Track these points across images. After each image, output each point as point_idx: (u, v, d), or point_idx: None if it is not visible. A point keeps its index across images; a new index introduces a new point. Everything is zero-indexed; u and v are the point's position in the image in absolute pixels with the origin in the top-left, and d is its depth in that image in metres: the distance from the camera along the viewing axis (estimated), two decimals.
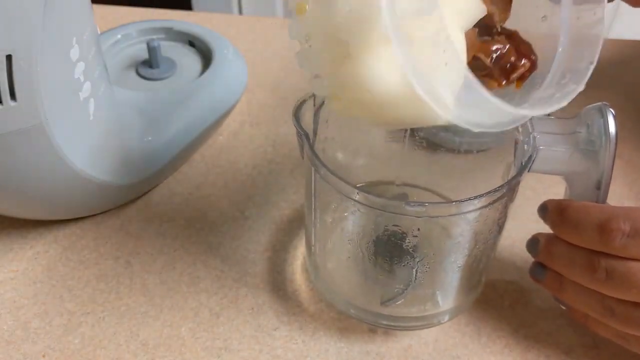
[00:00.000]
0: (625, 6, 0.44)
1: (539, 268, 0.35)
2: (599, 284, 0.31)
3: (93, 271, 0.41)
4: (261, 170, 0.49)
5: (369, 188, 0.41)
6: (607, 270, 0.30)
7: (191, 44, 0.54)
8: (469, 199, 0.29)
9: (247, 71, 0.54)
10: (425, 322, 0.37)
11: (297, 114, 0.33)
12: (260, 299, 0.39)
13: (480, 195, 0.29)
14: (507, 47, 0.28)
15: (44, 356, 0.36)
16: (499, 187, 0.30)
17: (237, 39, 0.63)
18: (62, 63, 0.35)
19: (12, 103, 0.32)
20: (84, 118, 0.38)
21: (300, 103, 0.33)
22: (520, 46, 0.28)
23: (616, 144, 0.31)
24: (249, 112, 0.54)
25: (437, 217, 0.32)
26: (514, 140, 0.34)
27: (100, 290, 0.40)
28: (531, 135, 0.32)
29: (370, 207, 0.31)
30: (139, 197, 0.46)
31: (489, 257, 0.36)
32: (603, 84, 0.58)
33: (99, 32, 0.40)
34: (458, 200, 0.29)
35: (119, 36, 0.53)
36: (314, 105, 0.35)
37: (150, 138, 0.45)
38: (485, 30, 0.29)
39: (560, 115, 0.32)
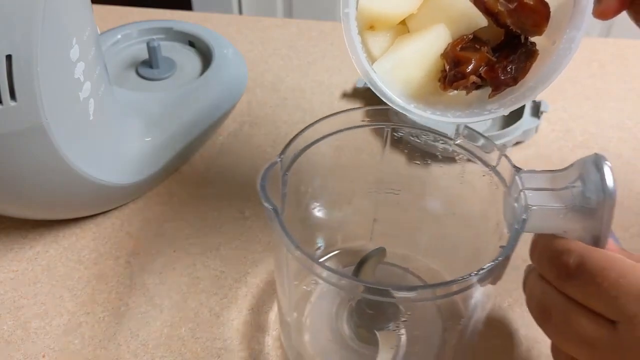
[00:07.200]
0: None
1: None
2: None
3: (93, 271, 0.41)
4: (261, 170, 0.49)
5: (343, 255, 0.39)
6: None
7: (191, 44, 0.54)
8: (448, 282, 0.27)
9: (247, 71, 0.54)
10: None
11: (263, 184, 0.29)
12: (260, 299, 0.39)
13: (469, 275, 0.27)
14: (474, 62, 0.28)
15: (44, 356, 0.36)
16: (488, 265, 0.27)
17: (237, 39, 0.63)
18: (62, 63, 0.35)
19: (12, 103, 0.32)
20: (84, 118, 0.38)
21: (266, 170, 0.30)
22: (494, 65, 0.28)
23: (615, 198, 0.28)
24: (249, 112, 0.54)
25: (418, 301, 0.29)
26: (502, 194, 0.32)
27: (100, 290, 0.40)
28: (521, 193, 0.29)
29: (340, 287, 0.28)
30: (139, 197, 0.46)
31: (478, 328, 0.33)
32: (603, 84, 0.58)
33: (99, 32, 0.40)
34: (436, 284, 0.28)
35: (119, 36, 0.53)
36: (281, 169, 0.31)
37: (150, 138, 0.45)
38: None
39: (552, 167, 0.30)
